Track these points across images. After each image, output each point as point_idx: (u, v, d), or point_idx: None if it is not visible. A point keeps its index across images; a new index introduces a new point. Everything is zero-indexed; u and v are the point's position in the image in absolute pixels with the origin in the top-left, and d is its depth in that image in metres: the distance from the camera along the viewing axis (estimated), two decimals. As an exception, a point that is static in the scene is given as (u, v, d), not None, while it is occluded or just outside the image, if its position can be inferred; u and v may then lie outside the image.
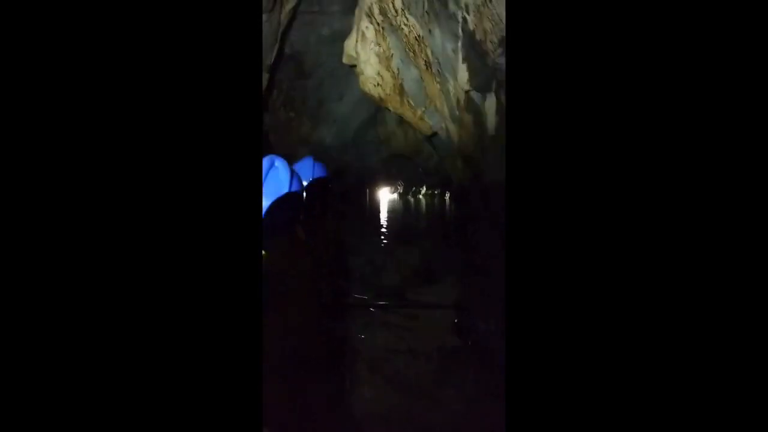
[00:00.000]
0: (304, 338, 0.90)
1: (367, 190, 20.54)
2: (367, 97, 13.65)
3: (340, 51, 9.37)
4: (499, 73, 5.33)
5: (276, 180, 0.92)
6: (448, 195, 17.16)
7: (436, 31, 7.06)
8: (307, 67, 13.15)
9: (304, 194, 1.02)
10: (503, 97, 5.29)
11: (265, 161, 0.93)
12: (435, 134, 10.12)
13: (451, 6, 5.92)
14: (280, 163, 0.95)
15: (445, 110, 8.44)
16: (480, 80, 5.91)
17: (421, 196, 21.34)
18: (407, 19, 7.33)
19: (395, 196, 23.16)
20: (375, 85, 8.90)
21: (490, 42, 5.03)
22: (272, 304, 0.86)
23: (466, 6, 5.33)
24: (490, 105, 6.06)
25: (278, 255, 0.91)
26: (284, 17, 9.39)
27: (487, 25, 4.93)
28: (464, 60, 5.97)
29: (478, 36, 5.35)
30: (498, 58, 5.00)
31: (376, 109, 16.11)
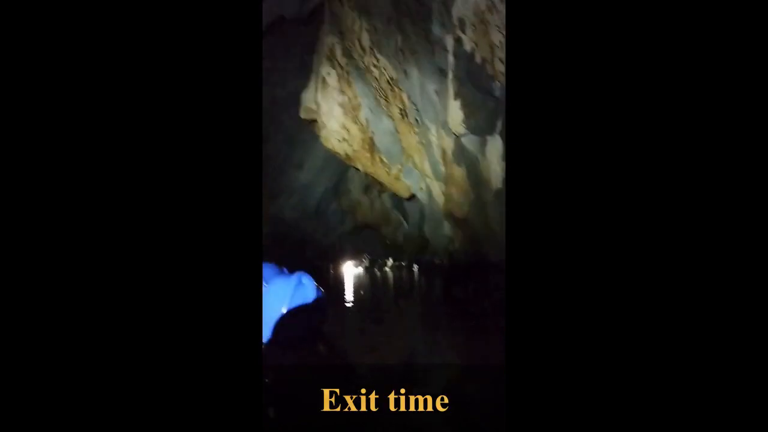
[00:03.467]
0: None
1: (330, 265, 19.12)
2: (329, 164, 12.67)
3: (298, 111, 8.18)
4: (509, 105, 4.04)
5: (303, 297, 0.97)
6: (417, 267, 15.84)
7: (413, 71, 5.88)
8: (261, 132, 11.97)
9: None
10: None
11: (293, 278, 0.99)
12: (413, 196, 8.80)
13: (436, 31, 4.73)
14: (306, 280, 0.99)
15: (426, 166, 7.14)
16: (479, 119, 4.63)
17: (387, 269, 19.95)
18: (377, 60, 6.15)
19: (360, 269, 21.64)
20: (340, 141, 7.53)
21: (498, 60, 3.75)
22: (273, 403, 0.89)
23: (461, 22, 4.12)
24: (493, 150, 4.73)
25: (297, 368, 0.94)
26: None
27: (495, 38, 3.69)
28: (457, 95, 4.71)
29: (479, 58, 4.12)
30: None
31: (339, 177, 15.11)
